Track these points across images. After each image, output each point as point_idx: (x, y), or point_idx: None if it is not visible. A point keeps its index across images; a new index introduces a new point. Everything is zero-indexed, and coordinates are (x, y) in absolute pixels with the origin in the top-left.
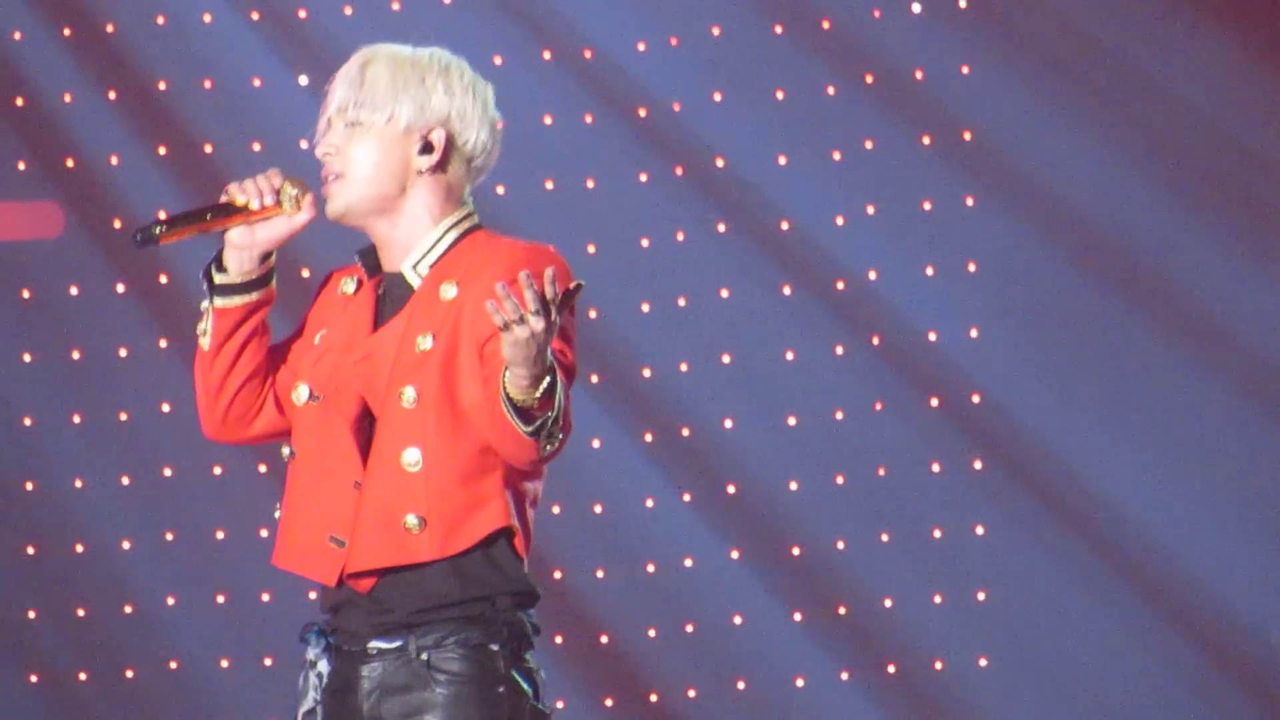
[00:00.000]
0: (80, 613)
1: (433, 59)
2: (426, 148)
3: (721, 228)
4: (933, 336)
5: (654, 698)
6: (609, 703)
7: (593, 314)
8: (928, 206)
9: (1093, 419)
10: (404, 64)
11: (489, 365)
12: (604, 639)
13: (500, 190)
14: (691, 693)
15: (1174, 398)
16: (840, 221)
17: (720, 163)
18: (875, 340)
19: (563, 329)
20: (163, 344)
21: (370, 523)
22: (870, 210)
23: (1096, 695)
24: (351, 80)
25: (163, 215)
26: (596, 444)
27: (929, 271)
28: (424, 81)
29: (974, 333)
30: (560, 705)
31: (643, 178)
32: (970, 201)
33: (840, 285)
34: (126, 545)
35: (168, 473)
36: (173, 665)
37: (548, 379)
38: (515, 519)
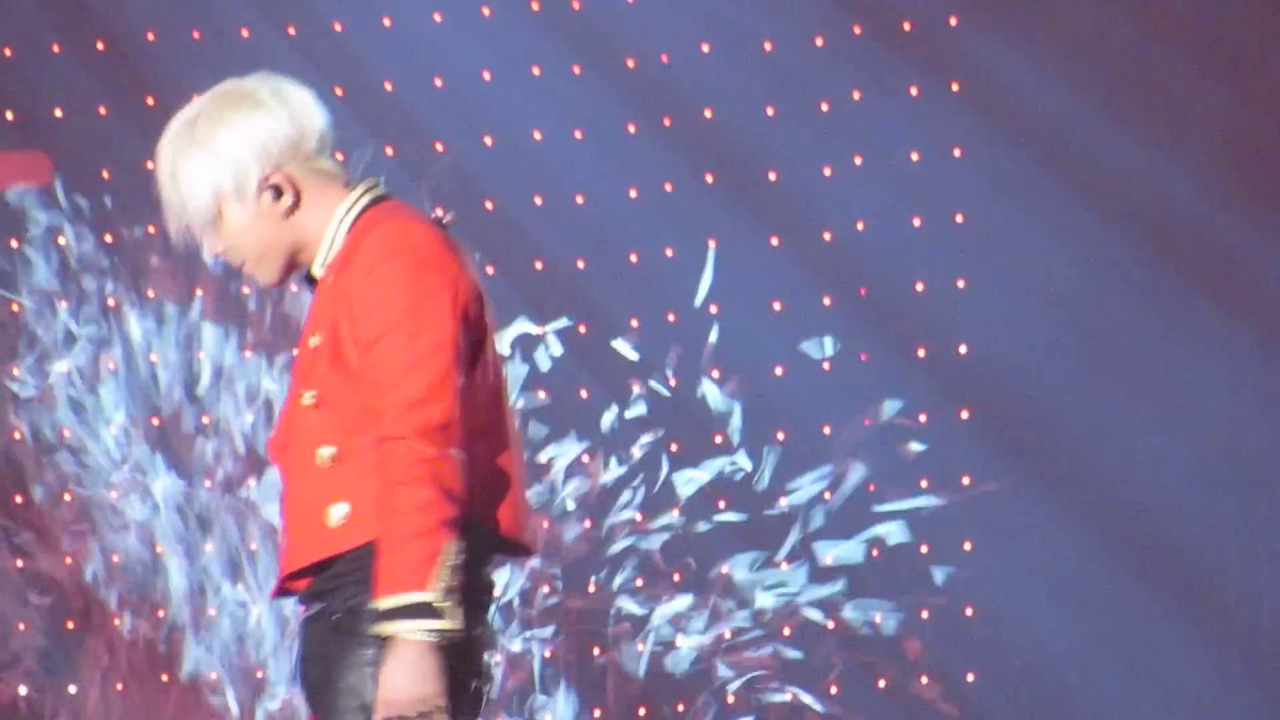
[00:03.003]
0: None
1: (198, 117)
2: (274, 193)
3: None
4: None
5: None
6: None
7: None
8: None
9: None
10: (183, 146)
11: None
12: (925, 680)
13: (676, 187)
14: None
15: None
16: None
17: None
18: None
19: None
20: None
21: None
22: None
23: None
24: (168, 199)
25: None
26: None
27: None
28: (210, 146)
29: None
30: None
31: (827, 171)
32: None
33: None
34: None
35: None
36: None
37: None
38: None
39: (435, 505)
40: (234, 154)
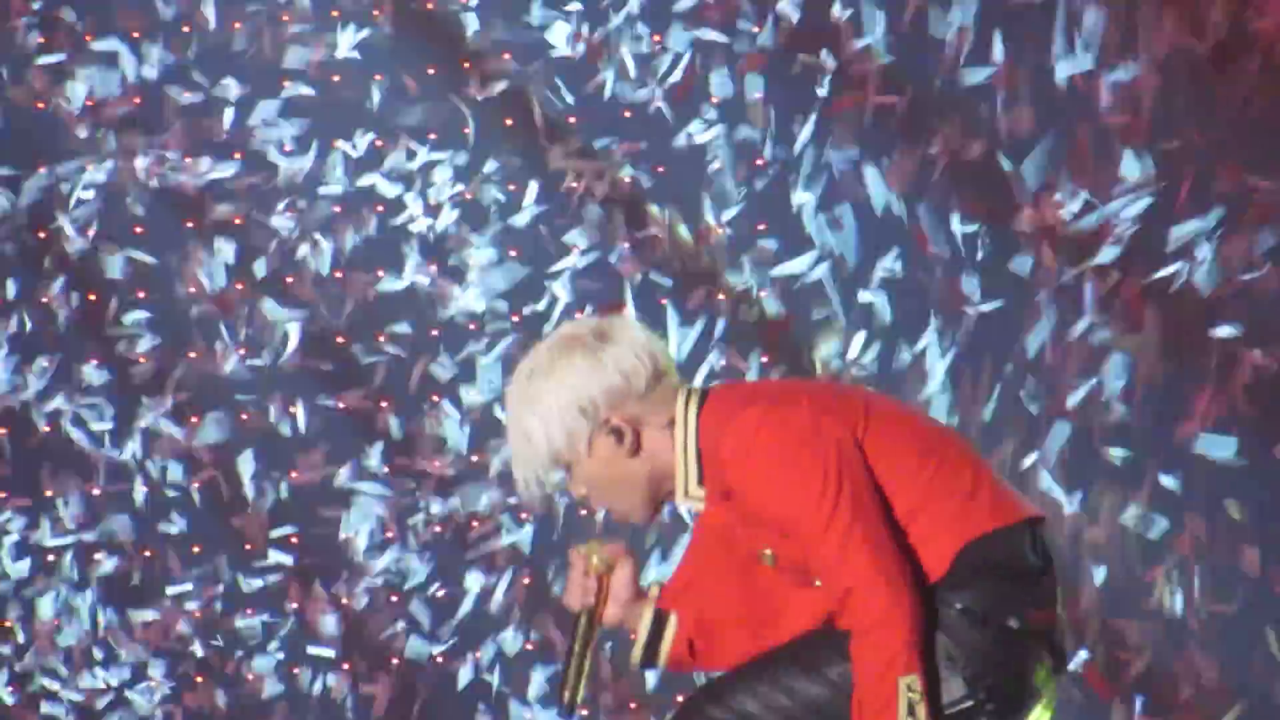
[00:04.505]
0: None
1: (534, 372)
2: (617, 437)
3: None
4: None
5: None
6: None
7: None
8: None
9: None
10: (520, 404)
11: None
12: None
13: None
14: None
15: None
16: None
17: None
18: None
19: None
20: None
21: None
22: None
23: None
24: (520, 459)
25: (565, 694)
26: None
27: None
28: (539, 405)
29: None
30: None
31: None
32: None
33: None
34: None
35: None
36: None
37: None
38: None
39: (891, 666)
40: (560, 411)
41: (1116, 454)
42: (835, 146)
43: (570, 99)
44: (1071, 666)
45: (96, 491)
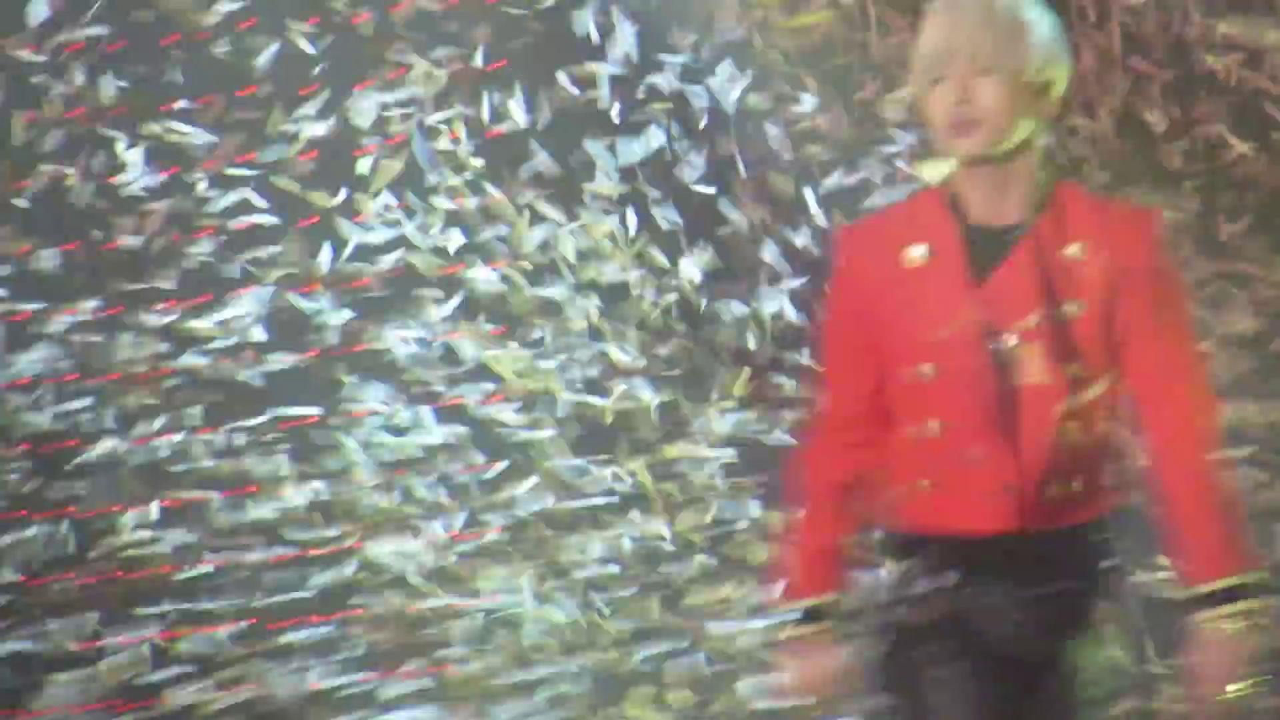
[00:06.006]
0: None
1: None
2: (1048, 94)
3: None
4: None
5: None
6: None
7: None
8: None
9: None
10: (1048, 20)
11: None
12: None
13: None
14: None
15: None
16: None
17: None
18: None
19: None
20: None
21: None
22: None
23: None
24: (992, 28)
25: None
26: None
27: None
28: (1061, 36)
29: None
30: None
31: None
32: None
33: None
34: None
35: None
36: None
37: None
38: None
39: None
40: (1067, 52)
41: None
42: None
43: None
44: None
45: None
